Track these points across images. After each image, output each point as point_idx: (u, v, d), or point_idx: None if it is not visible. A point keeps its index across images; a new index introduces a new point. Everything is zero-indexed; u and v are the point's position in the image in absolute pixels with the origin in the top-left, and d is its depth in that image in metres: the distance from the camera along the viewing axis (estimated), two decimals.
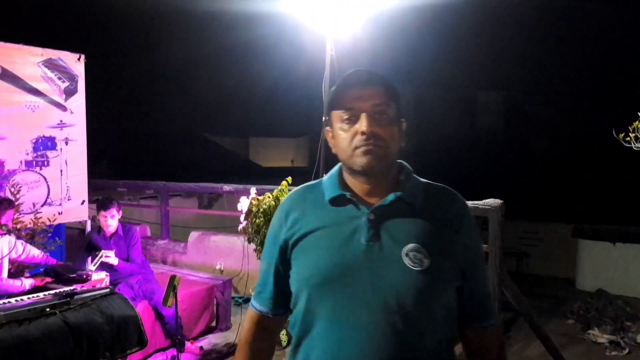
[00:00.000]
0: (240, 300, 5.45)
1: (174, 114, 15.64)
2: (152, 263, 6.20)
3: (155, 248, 6.48)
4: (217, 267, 5.92)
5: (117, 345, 3.07)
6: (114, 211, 4.17)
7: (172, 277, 3.64)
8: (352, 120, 1.21)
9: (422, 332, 1.14)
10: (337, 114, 1.24)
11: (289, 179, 4.53)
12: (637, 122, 4.30)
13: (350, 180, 1.27)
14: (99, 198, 4.70)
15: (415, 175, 1.30)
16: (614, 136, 4.27)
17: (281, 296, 1.32)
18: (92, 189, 8.26)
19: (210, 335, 4.77)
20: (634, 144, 4.34)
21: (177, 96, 14.79)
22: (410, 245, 1.15)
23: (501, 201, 4.14)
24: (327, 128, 1.30)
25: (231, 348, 4.52)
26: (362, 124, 1.18)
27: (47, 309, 2.86)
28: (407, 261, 1.14)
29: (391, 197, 1.21)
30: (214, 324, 4.90)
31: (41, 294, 3.10)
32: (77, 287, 3.34)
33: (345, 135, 1.22)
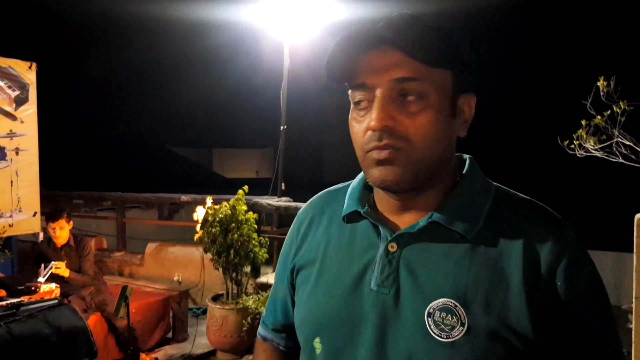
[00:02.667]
0: (198, 312, 5.41)
1: (134, 124, 15.40)
2: (108, 275, 6.09)
3: (111, 260, 6.36)
4: (175, 278, 5.86)
5: (66, 357, 3.01)
6: (63, 222, 4.09)
7: (124, 288, 3.61)
8: (365, 106, 0.78)
9: None
10: (350, 95, 0.81)
11: (246, 187, 4.57)
12: (580, 130, 4.55)
13: (375, 190, 0.87)
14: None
15: (486, 183, 0.85)
16: (559, 143, 4.50)
17: (288, 323, 1.00)
18: (47, 200, 8.05)
19: (166, 347, 4.71)
20: (578, 150, 4.58)
21: (137, 106, 14.59)
22: (441, 301, 0.75)
23: None
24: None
25: (188, 359, 4.48)
26: (373, 114, 0.75)
27: None
28: (431, 325, 0.75)
29: (422, 221, 0.80)
30: (170, 335, 4.84)
31: None
32: (25, 299, 3.26)
33: (358, 129, 0.79)
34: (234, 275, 4.54)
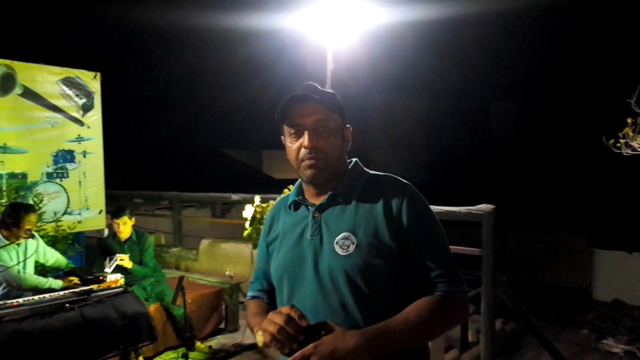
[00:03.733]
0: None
1: (189, 128, 16.08)
2: (165, 269, 6.49)
3: (169, 255, 6.78)
4: (227, 272, 6.17)
5: (129, 339, 3.32)
6: (125, 219, 4.46)
7: (181, 278, 3.92)
8: (298, 134, 1.38)
9: (355, 308, 1.30)
10: (286, 129, 1.41)
11: (291, 186, 4.78)
12: (626, 128, 4.45)
13: (304, 186, 1.49)
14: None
15: (362, 171, 1.47)
16: (604, 142, 4.42)
17: (270, 286, 1.55)
18: (110, 199, 8.62)
19: (219, 336, 5.01)
20: (624, 149, 4.49)
21: (191, 111, 15.25)
22: (342, 235, 1.34)
23: (493, 206, 4.31)
24: (282, 137, 1.46)
25: (238, 348, 4.75)
26: (305, 139, 1.36)
27: (67, 305, 3.14)
28: (337, 248, 1.33)
29: (328, 196, 1.40)
30: (222, 325, 5.14)
31: (62, 292, 3.39)
32: (95, 287, 3.62)
33: (293, 148, 1.39)
34: None
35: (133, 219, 4.60)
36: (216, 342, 4.88)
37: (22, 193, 5.21)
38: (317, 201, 1.43)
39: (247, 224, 4.82)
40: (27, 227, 3.70)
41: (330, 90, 1.47)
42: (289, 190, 4.78)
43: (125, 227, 4.47)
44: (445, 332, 1.42)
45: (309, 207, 1.43)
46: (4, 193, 4.92)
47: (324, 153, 1.37)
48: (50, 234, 5.15)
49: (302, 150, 1.37)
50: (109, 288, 3.55)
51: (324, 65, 5.30)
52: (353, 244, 1.32)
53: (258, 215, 4.68)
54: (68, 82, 5.68)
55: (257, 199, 4.89)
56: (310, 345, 1.21)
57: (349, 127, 1.47)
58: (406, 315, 1.28)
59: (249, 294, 1.62)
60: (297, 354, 1.20)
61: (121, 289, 3.56)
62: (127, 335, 3.31)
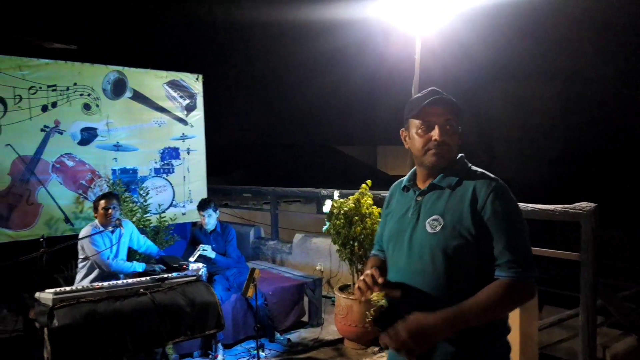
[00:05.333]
0: (334, 299, 5.67)
1: (304, 126, 16.55)
2: (262, 261, 6.76)
3: (266, 248, 7.04)
4: (317, 267, 6.24)
5: (197, 326, 3.50)
6: (210, 211, 4.70)
7: (252, 270, 4.03)
8: (428, 129, 1.67)
9: (432, 275, 1.60)
10: (415, 122, 1.70)
11: (369, 181, 4.68)
12: None
13: (418, 171, 1.77)
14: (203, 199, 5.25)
15: (463, 165, 1.71)
16: None
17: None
18: (221, 193, 9.20)
19: (301, 330, 5.07)
20: None
21: (305, 109, 15.67)
22: (433, 217, 1.63)
23: (595, 204, 3.78)
24: (403, 129, 1.77)
25: (317, 343, 4.76)
26: (436, 133, 1.65)
27: (140, 290, 3.40)
28: (427, 227, 1.63)
29: (430, 184, 1.70)
30: (305, 319, 5.20)
31: (140, 278, 3.68)
32: (174, 274, 3.87)
33: (421, 139, 1.68)
34: (359, 267, 4.69)
35: (218, 211, 4.83)
36: (297, 335, 4.95)
37: (132, 187, 5.78)
38: (423, 187, 1.74)
39: (326, 219, 4.83)
40: (112, 213, 4.09)
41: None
42: (367, 185, 4.70)
43: (210, 219, 4.72)
44: (511, 311, 1.65)
45: (415, 191, 1.75)
46: (117, 187, 5.49)
47: (448, 146, 1.66)
48: (154, 224, 5.64)
49: (432, 141, 1.66)
50: (184, 275, 3.77)
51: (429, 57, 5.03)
52: (440, 225, 1.60)
53: (335, 211, 4.65)
54: (173, 84, 6.17)
55: (335, 194, 4.86)
56: (400, 322, 1.50)
57: (461, 128, 1.72)
58: (477, 298, 1.53)
59: (372, 252, 2.03)
60: (390, 328, 1.50)
61: (193, 277, 3.76)
62: (195, 322, 3.48)
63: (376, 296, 4.49)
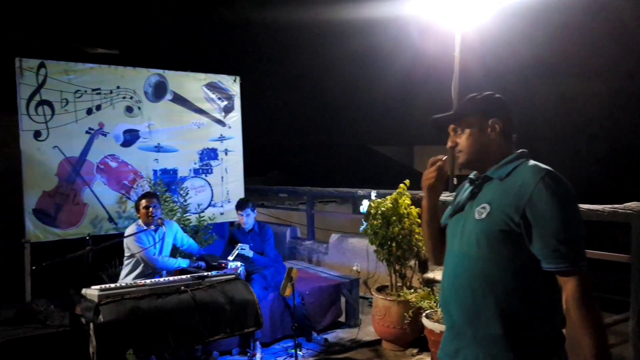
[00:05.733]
0: (371, 300, 5.63)
1: (339, 126, 16.53)
2: (298, 261, 6.79)
3: (302, 247, 7.06)
4: (354, 268, 6.21)
5: (236, 323, 3.54)
6: (248, 211, 4.75)
7: (290, 269, 4.04)
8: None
9: (481, 260, 1.66)
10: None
11: (407, 181, 4.62)
12: None
13: None
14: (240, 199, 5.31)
15: (519, 158, 1.74)
16: None
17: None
18: (257, 194, 9.28)
19: (338, 330, 5.06)
20: None
21: (340, 109, 15.64)
22: (482, 205, 1.69)
23: None
24: None
25: (354, 344, 4.74)
26: (448, 143, 1.84)
27: (182, 288, 3.47)
28: (476, 214, 1.69)
29: (483, 176, 1.77)
30: (342, 319, 5.18)
31: (181, 276, 3.75)
32: (213, 273, 3.93)
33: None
34: (397, 267, 4.64)
35: (255, 210, 4.87)
36: (334, 335, 4.94)
37: (173, 187, 5.91)
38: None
39: (363, 220, 4.80)
40: (154, 212, 4.20)
41: (476, 95, 1.82)
42: (405, 185, 4.64)
43: (248, 218, 4.77)
44: (595, 304, 1.56)
45: (473, 183, 1.84)
46: (159, 187, 5.62)
47: (459, 147, 1.78)
48: (193, 223, 5.74)
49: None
50: (223, 274, 3.82)
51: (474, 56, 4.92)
52: (486, 212, 1.66)
53: (372, 211, 4.62)
54: (211, 86, 6.28)
55: (373, 194, 4.83)
56: None
57: (493, 119, 1.75)
58: (570, 322, 1.55)
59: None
60: None
61: (233, 275, 3.81)
62: (234, 320, 3.53)
63: (415, 297, 4.44)
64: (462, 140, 1.77)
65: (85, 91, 5.43)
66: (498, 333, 1.59)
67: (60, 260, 3.47)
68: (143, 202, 4.23)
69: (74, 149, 5.38)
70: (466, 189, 1.87)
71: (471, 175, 1.88)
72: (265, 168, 13.18)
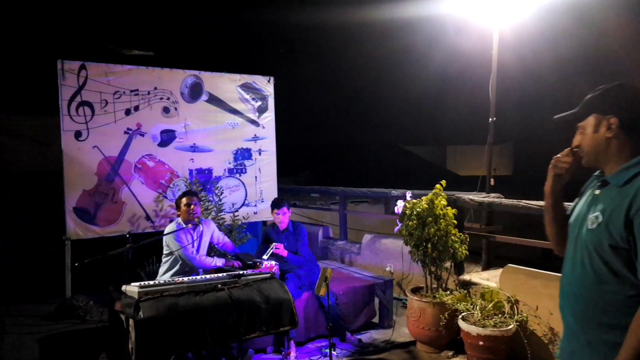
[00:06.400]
0: (405, 301, 5.57)
1: (371, 127, 16.47)
2: (331, 261, 6.78)
3: (334, 247, 7.05)
4: (387, 268, 6.16)
5: (272, 322, 3.55)
6: (285, 209, 4.77)
7: (325, 269, 4.03)
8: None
9: (587, 273, 1.62)
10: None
11: (443, 182, 4.55)
12: None
13: None
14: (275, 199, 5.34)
15: (637, 165, 1.62)
16: None
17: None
18: (289, 194, 9.32)
19: (372, 331, 5.02)
20: None
21: (372, 110, 15.59)
22: (595, 213, 1.62)
23: None
24: None
25: (388, 344, 4.70)
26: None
27: (219, 285, 3.50)
28: (588, 223, 1.64)
29: (602, 181, 1.70)
30: (375, 320, 5.14)
31: (218, 274, 3.79)
32: (249, 271, 3.96)
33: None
34: (432, 269, 4.57)
35: (290, 210, 4.89)
36: (368, 335, 4.90)
37: (208, 186, 5.98)
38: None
39: (398, 220, 4.75)
40: (195, 210, 4.26)
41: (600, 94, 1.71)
42: (442, 186, 4.57)
43: (284, 217, 4.79)
44: None
45: (596, 184, 1.74)
46: (195, 186, 5.70)
47: (581, 148, 1.72)
48: (227, 222, 5.80)
49: None
50: (259, 273, 3.84)
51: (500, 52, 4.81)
52: (597, 222, 1.59)
53: (407, 212, 4.57)
54: (245, 87, 6.33)
55: (408, 194, 4.77)
56: None
57: (610, 116, 1.64)
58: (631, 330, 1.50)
59: None
60: None
61: (269, 274, 3.82)
62: (269, 318, 3.54)
63: (451, 299, 4.37)
64: (581, 140, 1.71)
65: (124, 92, 5.56)
66: (611, 340, 1.55)
67: (101, 257, 3.55)
68: (184, 200, 4.30)
69: (113, 149, 5.52)
70: (593, 185, 1.76)
71: (598, 172, 1.79)
72: (297, 168, 13.25)
